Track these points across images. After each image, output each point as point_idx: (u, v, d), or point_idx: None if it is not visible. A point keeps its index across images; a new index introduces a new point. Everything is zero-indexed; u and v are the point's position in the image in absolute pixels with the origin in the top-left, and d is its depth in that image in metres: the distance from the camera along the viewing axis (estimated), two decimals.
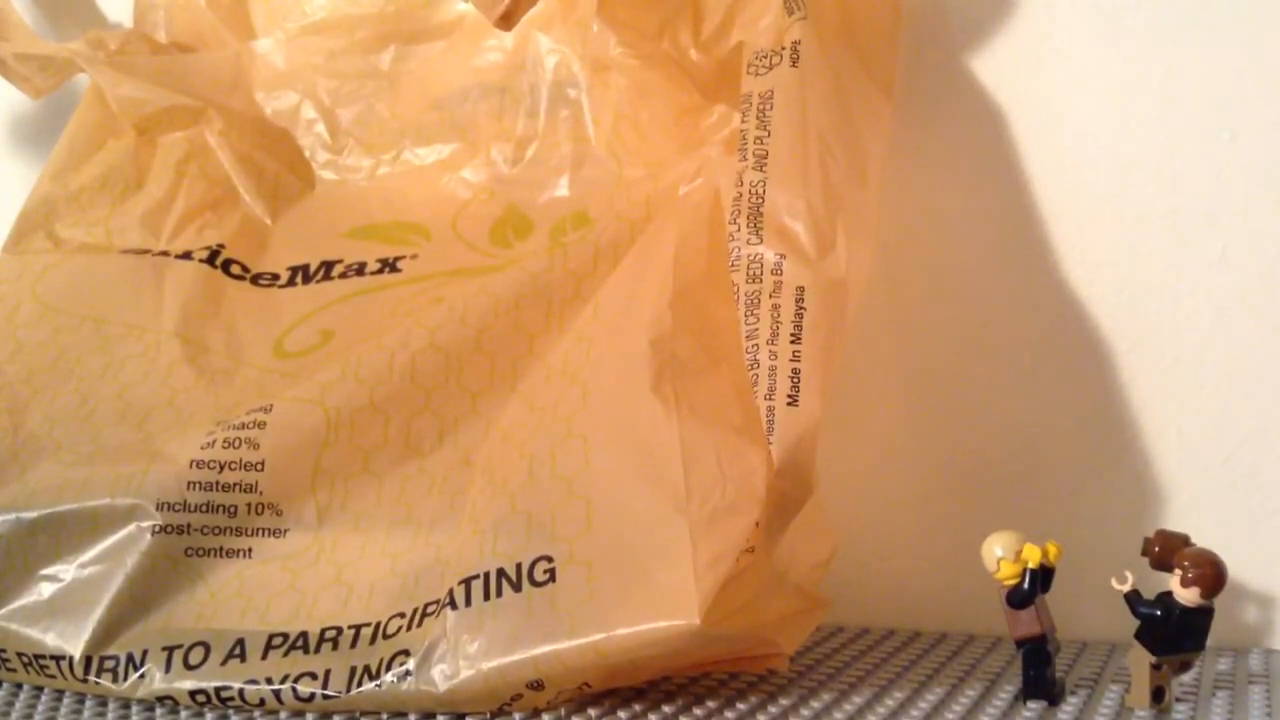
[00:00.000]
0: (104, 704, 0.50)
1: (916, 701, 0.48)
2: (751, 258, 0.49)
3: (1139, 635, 0.46)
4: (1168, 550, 0.47)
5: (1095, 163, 0.58)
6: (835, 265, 0.48)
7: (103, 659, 0.50)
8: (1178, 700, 0.48)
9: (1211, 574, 0.45)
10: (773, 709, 0.47)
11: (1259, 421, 0.57)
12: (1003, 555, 0.47)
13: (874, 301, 0.59)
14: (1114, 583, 0.46)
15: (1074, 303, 0.58)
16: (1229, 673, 0.53)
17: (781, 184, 0.49)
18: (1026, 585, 0.46)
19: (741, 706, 0.47)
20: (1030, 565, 0.46)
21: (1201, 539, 0.47)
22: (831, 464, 0.52)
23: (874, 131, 0.53)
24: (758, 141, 0.50)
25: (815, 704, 0.48)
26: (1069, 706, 0.47)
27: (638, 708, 0.47)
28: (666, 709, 0.47)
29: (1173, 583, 0.46)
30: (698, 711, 0.47)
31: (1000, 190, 0.59)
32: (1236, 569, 0.49)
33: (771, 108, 0.50)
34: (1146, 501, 0.58)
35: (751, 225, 0.49)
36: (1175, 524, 0.55)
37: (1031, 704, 0.47)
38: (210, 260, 0.61)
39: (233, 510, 0.51)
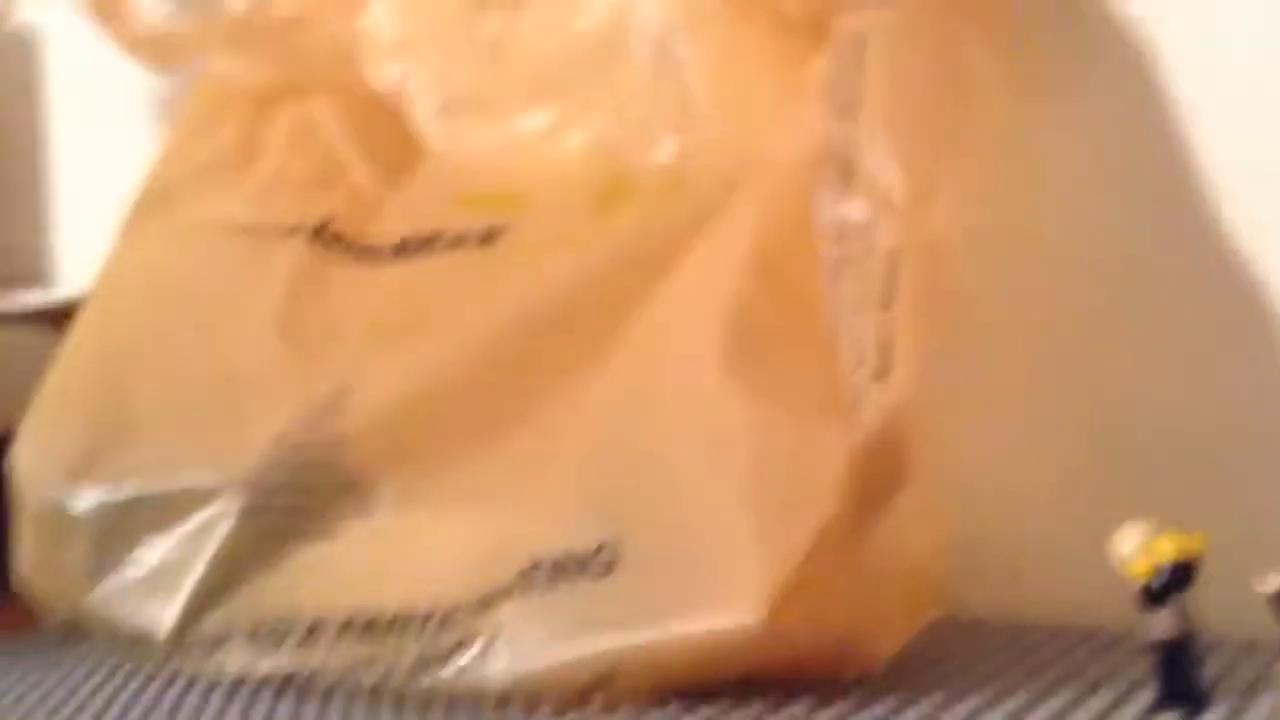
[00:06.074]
0: (188, 688, 0.50)
1: (1035, 709, 0.43)
2: (839, 217, 0.44)
3: None
4: None
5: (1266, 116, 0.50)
6: (931, 224, 0.44)
7: (189, 639, 0.50)
8: None
9: None
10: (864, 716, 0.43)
11: None
12: (1135, 549, 0.41)
13: (1010, 267, 0.53)
14: (1256, 584, 0.40)
15: (1237, 275, 0.51)
16: None
17: (873, 136, 0.45)
18: (1160, 582, 0.41)
19: (828, 712, 0.43)
20: (1163, 560, 0.41)
21: None
22: (963, 445, 0.47)
23: (981, 83, 0.48)
24: (849, 89, 0.45)
25: (914, 712, 0.43)
26: (1212, 717, 0.42)
27: (708, 711, 0.44)
28: (744, 711, 0.43)
29: None
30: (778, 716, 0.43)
31: (1152, 142, 0.52)
32: None
33: (865, 52, 0.45)
34: None
35: (840, 181, 0.45)
36: None
37: (1167, 715, 0.42)
38: (318, 234, 0.61)
39: (315, 489, 0.50)
